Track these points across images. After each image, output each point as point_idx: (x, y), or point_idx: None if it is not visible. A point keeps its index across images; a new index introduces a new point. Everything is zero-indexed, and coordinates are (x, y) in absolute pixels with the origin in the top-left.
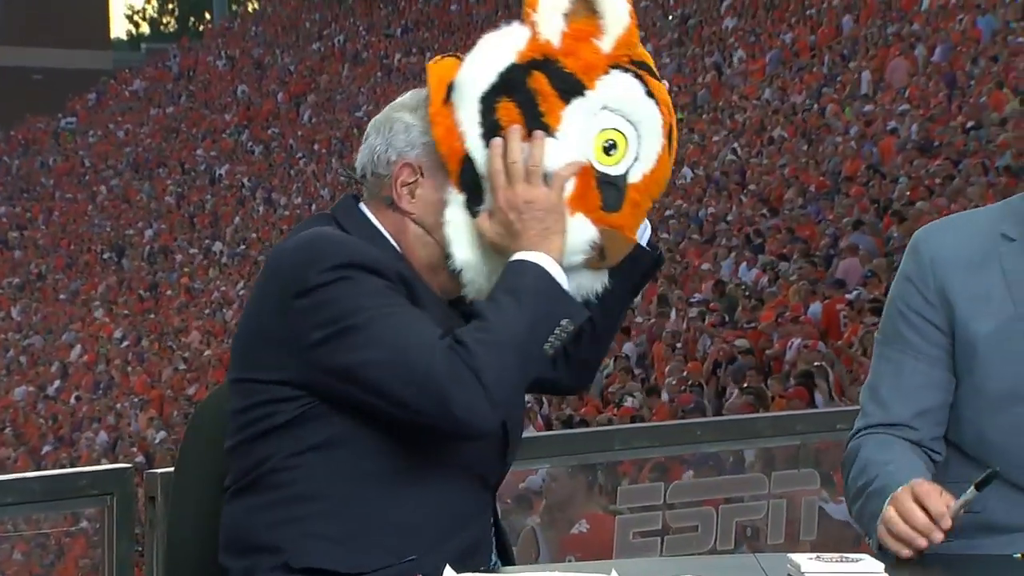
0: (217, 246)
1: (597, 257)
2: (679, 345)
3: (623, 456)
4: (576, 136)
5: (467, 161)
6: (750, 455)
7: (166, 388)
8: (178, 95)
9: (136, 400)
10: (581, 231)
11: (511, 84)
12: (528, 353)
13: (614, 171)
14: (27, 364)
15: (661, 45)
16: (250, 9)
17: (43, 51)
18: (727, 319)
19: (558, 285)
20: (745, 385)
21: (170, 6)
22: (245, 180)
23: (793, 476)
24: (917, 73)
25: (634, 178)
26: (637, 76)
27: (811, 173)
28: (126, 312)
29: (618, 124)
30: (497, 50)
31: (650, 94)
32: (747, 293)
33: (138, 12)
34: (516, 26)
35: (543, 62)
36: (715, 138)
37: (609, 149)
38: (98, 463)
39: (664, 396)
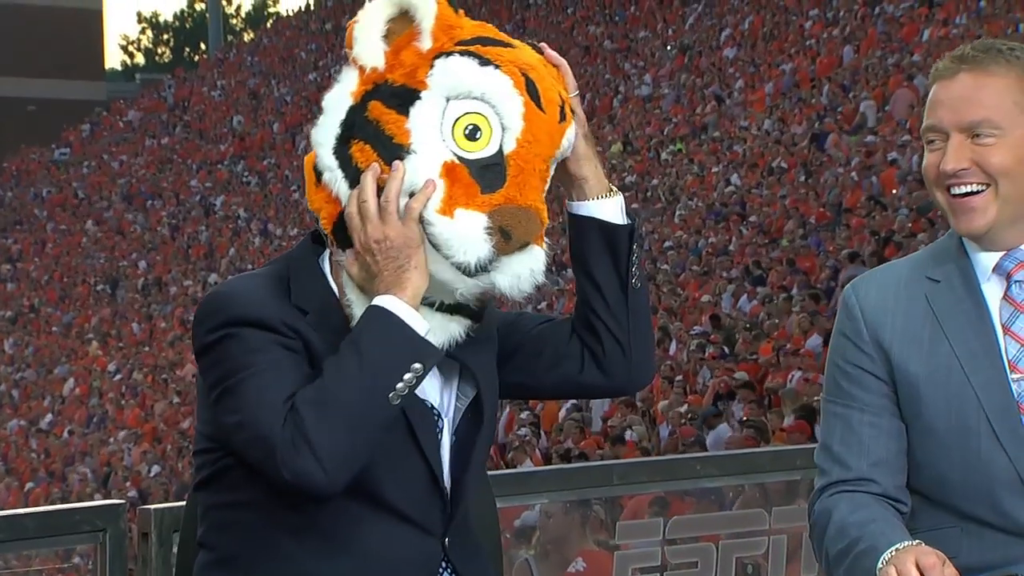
0: (212, 278)
1: (502, 239)
2: (679, 378)
3: (621, 491)
4: (432, 140)
5: (339, 217)
6: (751, 490)
7: (160, 422)
8: (173, 126)
9: (129, 434)
10: (468, 224)
11: (354, 125)
12: (367, 408)
13: (485, 153)
14: (19, 398)
15: (660, 75)
16: (246, 39)
17: (37, 81)
18: (727, 351)
19: (406, 329)
20: (745, 418)
21: (165, 36)
22: (241, 211)
23: (793, 512)
24: (918, 104)
25: (509, 147)
26: (466, 54)
27: (811, 204)
28: (120, 345)
29: (469, 107)
30: (334, 102)
31: (486, 62)
32: (747, 325)
33: (132, 43)
34: (346, 71)
35: (374, 89)
36: (715, 169)
37: (472, 135)
38: (90, 498)
39: (664, 428)
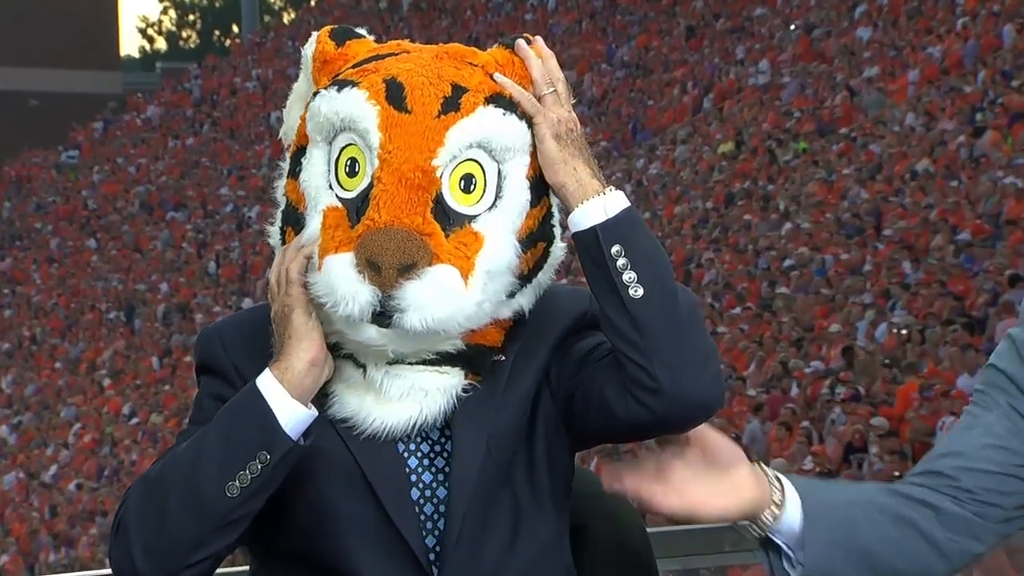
0: (246, 303)
1: (374, 272)
2: (803, 424)
3: (734, 559)
4: (320, 193)
5: None
6: None
7: None
8: (199, 123)
9: None
10: (335, 269)
11: (286, 212)
12: (197, 497)
13: (363, 185)
14: (18, 445)
15: (780, 61)
16: (285, 20)
17: (40, 72)
18: (861, 392)
19: (263, 410)
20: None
21: (191, 18)
22: None
23: None
24: None
25: (374, 167)
26: (331, 85)
27: (964, 215)
28: (136, 383)
29: (343, 142)
30: (279, 199)
31: (345, 84)
32: (886, 361)
33: (153, 25)
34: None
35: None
36: (845, 172)
37: (351, 169)
38: (102, 565)
39: None
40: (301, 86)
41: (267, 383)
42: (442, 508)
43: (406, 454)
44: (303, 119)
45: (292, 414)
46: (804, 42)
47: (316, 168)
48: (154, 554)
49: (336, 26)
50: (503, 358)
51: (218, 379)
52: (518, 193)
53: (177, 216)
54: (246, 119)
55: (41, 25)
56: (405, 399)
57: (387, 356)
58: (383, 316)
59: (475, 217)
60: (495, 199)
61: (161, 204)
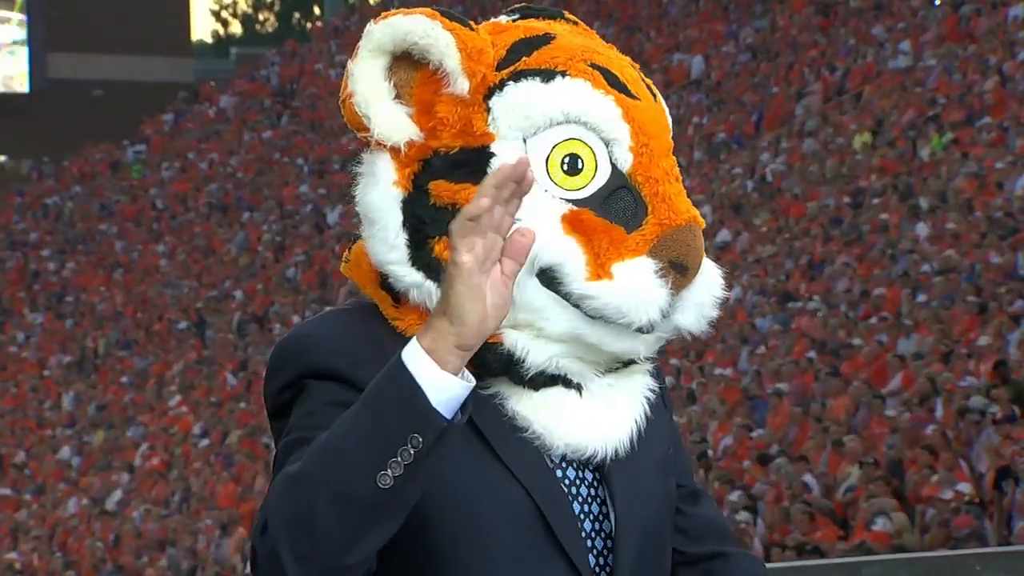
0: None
1: (679, 275)
2: (948, 448)
3: None
4: (533, 195)
5: None
6: None
7: (260, 501)
8: (277, 115)
9: (222, 516)
10: (635, 278)
11: (423, 220)
12: (348, 489)
13: (600, 183)
14: (80, 468)
15: (923, 42)
16: (371, 2)
17: (105, 59)
18: (1016, 413)
19: (410, 388)
20: None
21: (268, 0)
22: None
23: None
24: None
25: (626, 163)
26: (519, 76)
27: None
28: (210, 400)
29: (556, 137)
30: (378, 204)
31: (549, 74)
32: None
33: (227, 7)
34: (370, 159)
35: (424, 168)
36: (998, 165)
37: (573, 167)
38: None
39: (929, 515)
40: (375, 79)
41: (413, 356)
42: (610, 543)
43: (566, 481)
44: (431, 115)
45: (444, 389)
46: (951, 20)
47: None
48: (305, 559)
49: (439, 9)
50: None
51: (334, 384)
52: None
53: (253, 217)
54: (328, 110)
55: (104, 7)
56: (625, 407)
57: (601, 367)
58: (661, 320)
59: None
60: None
61: (235, 204)
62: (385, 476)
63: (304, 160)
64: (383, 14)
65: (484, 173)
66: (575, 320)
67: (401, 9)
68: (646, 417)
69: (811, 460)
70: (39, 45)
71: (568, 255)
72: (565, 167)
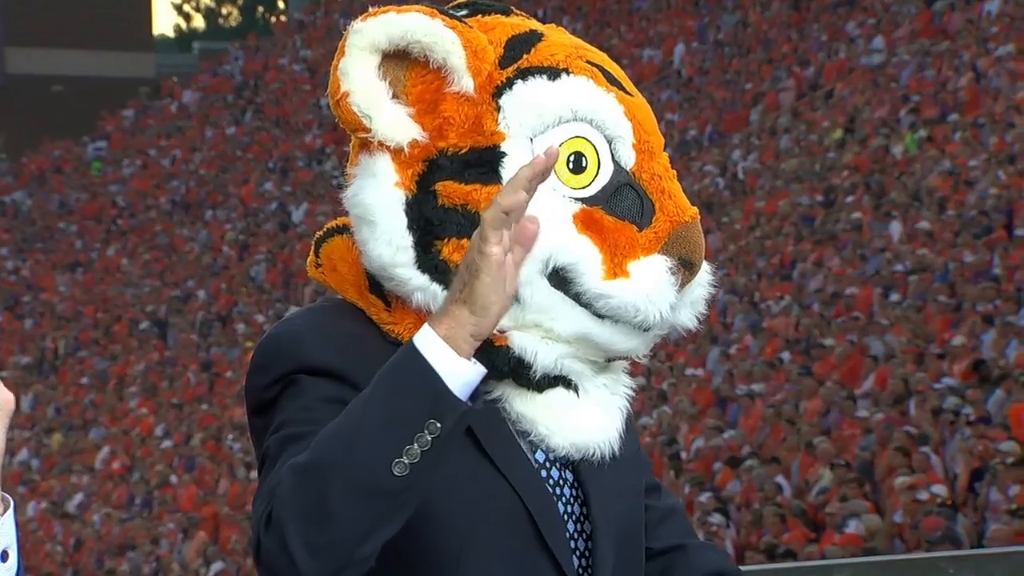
0: (292, 312)
1: (687, 272)
2: (922, 449)
3: None
4: (545, 196)
5: None
6: None
7: (223, 504)
8: (241, 111)
9: (183, 520)
10: (651, 276)
11: (430, 222)
12: (363, 477)
13: (603, 180)
14: (40, 471)
15: (897, 38)
16: None
17: (65, 54)
18: (990, 414)
19: (426, 372)
20: (1016, 507)
21: None
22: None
23: None
24: None
25: (629, 160)
26: (525, 74)
27: None
28: (172, 401)
29: (560, 136)
30: (379, 206)
31: (554, 72)
32: (1019, 378)
33: (189, 1)
34: (367, 160)
35: (430, 168)
36: (971, 164)
37: (579, 165)
38: None
39: (902, 518)
40: (369, 78)
41: (428, 343)
42: (590, 544)
43: (550, 482)
44: (436, 114)
45: (461, 375)
46: (924, 16)
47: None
48: (318, 551)
49: (430, 5)
50: None
51: (328, 380)
52: None
53: (216, 215)
54: (293, 106)
55: (64, 1)
56: (613, 406)
57: (596, 367)
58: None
59: None
60: None
61: (198, 202)
62: (401, 463)
63: (268, 157)
64: (372, 11)
65: (496, 173)
66: (584, 320)
67: (391, 7)
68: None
69: (783, 462)
70: None
71: (584, 254)
72: (571, 165)
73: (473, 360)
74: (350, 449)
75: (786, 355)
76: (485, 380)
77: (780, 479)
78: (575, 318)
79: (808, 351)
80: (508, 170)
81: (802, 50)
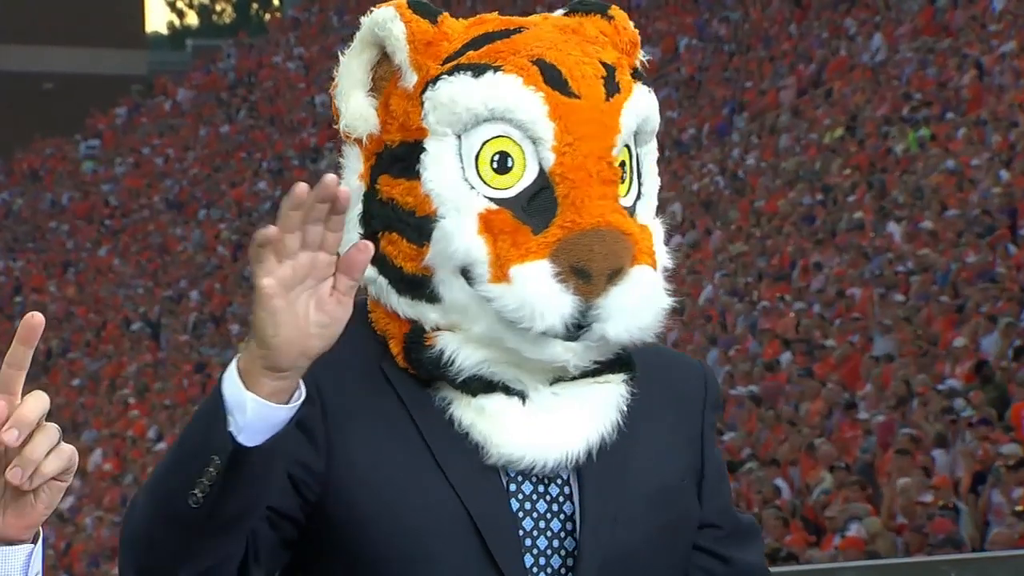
0: None
1: (581, 281)
2: (923, 451)
3: None
4: (458, 194)
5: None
6: None
7: None
8: (235, 109)
9: None
10: (530, 281)
11: (373, 215)
12: (168, 506)
13: (526, 183)
14: None
15: (898, 35)
16: None
17: (56, 51)
18: (993, 416)
19: (215, 407)
20: (1021, 508)
21: None
22: None
23: None
24: None
25: (549, 162)
26: (455, 70)
27: None
28: (165, 403)
29: (486, 134)
30: (352, 196)
31: (482, 69)
32: (1022, 380)
33: None
34: (347, 149)
35: (377, 161)
36: (974, 162)
37: (503, 166)
38: None
39: (901, 519)
40: (356, 71)
41: (228, 376)
42: (570, 561)
43: (520, 495)
44: (387, 109)
45: (253, 410)
46: (926, 13)
47: (447, 165)
48: (146, 572)
49: (412, 1)
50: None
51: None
52: (655, 178)
53: (210, 214)
54: (287, 104)
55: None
56: (578, 420)
57: (547, 375)
58: (576, 328)
59: (633, 209)
60: (639, 188)
61: (191, 201)
62: (194, 495)
63: (262, 155)
64: (379, 4)
65: (414, 170)
66: (493, 322)
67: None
68: (650, 438)
69: (783, 464)
70: None
71: (477, 256)
72: (495, 165)
73: (297, 392)
74: (159, 479)
75: (786, 356)
76: (432, 383)
77: (780, 481)
78: (486, 319)
79: (809, 352)
80: (426, 167)
81: (802, 48)
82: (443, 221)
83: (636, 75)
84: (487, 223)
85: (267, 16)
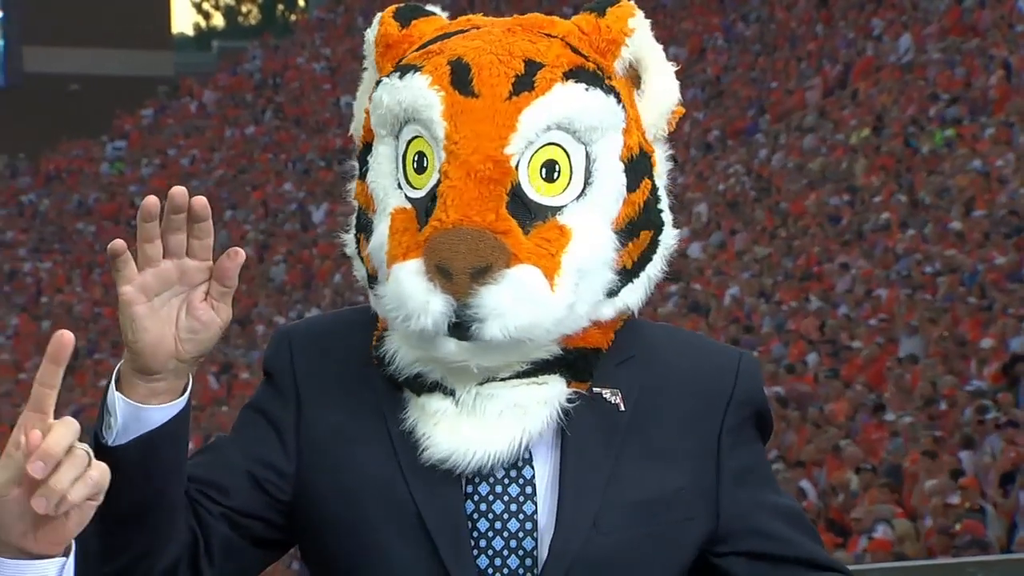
0: (313, 313)
1: (444, 279)
2: (951, 452)
3: None
4: (388, 194)
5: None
6: None
7: None
8: (261, 110)
9: None
10: (403, 278)
11: (358, 224)
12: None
13: (433, 182)
14: None
15: (925, 35)
16: None
17: (83, 53)
18: (1022, 418)
19: (101, 403)
20: None
21: None
22: None
23: None
24: None
25: (440, 160)
26: (394, 72)
27: None
28: (191, 403)
29: (410, 134)
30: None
31: (408, 70)
32: None
33: (209, 0)
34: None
35: (358, 161)
36: (999, 163)
37: (420, 166)
38: None
39: (930, 522)
40: (368, 75)
41: (115, 377)
42: (528, 562)
43: (476, 496)
44: (367, 112)
45: (126, 410)
46: (953, 13)
47: (383, 166)
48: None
49: (403, 4)
50: (617, 398)
51: (271, 387)
52: (611, 177)
53: (235, 215)
54: (313, 105)
55: (85, 1)
56: (504, 420)
57: (475, 375)
58: (461, 327)
59: (561, 209)
60: (584, 186)
61: (217, 202)
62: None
63: (288, 156)
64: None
65: (363, 171)
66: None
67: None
68: (647, 444)
69: (808, 466)
70: (14, 38)
71: (382, 256)
72: (415, 165)
73: (185, 395)
74: None
75: (812, 357)
76: (401, 385)
77: (805, 483)
78: None
79: (835, 353)
80: (371, 168)
81: (829, 48)
82: (375, 220)
83: (578, 76)
84: (394, 221)
85: (293, 17)
